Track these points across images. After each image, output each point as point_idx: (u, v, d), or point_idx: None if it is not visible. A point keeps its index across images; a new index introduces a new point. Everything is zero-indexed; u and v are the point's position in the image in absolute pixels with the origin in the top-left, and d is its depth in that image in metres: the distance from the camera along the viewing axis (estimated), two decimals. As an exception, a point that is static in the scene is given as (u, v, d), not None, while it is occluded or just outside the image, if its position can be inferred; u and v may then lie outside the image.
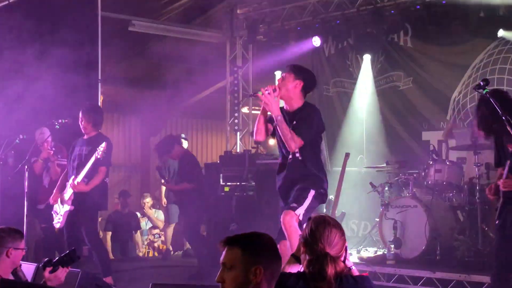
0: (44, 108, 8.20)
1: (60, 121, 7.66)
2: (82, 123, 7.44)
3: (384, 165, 9.05)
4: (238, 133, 11.61)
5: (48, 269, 4.48)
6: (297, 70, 5.71)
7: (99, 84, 9.24)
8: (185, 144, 10.03)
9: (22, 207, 7.41)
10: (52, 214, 7.46)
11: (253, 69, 11.76)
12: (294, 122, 5.58)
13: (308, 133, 5.57)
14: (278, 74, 11.09)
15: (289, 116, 5.63)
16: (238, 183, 9.33)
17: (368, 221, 9.72)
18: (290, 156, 5.63)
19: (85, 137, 7.51)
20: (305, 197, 5.46)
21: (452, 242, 7.92)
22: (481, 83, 4.71)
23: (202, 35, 11.60)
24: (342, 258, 3.26)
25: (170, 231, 10.92)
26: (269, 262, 2.92)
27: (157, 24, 11.15)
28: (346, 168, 9.42)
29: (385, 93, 10.61)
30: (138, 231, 11.37)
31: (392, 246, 7.76)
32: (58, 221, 7.31)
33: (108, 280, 7.01)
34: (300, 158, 5.59)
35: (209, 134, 15.63)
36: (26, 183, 7.43)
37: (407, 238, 7.82)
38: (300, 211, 5.37)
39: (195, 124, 15.55)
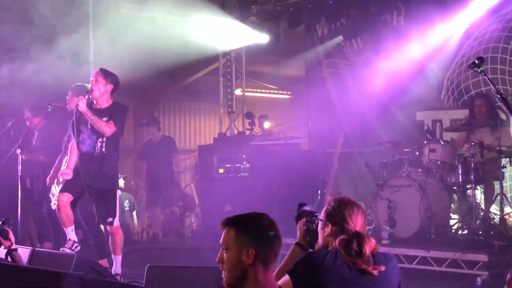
0: (35, 92, 8.13)
1: (53, 104, 7.59)
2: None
3: (378, 145, 9.04)
4: (232, 115, 11.59)
5: None
6: None
7: (91, 67, 9.14)
8: None
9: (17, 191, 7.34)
10: (48, 196, 7.35)
11: (246, 51, 11.71)
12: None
13: None
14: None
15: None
16: (232, 165, 9.32)
17: (363, 201, 9.70)
18: None
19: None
20: None
21: (446, 221, 7.95)
22: (476, 61, 4.66)
23: (193, 16, 11.50)
24: None
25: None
26: (262, 244, 2.89)
27: (147, 6, 11.04)
28: (340, 149, 9.42)
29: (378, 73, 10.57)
30: (134, 213, 11.28)
31: (387, 225, 7.77)
32: (55, 202, 7.16)
33: (104, 262, 6.98)
34: None
35: (203, 117, 15.60)
36: (19, 167, 7.35)
37: (401, 217, 7.82)
38: None
39: (188, 107, 15.51)
